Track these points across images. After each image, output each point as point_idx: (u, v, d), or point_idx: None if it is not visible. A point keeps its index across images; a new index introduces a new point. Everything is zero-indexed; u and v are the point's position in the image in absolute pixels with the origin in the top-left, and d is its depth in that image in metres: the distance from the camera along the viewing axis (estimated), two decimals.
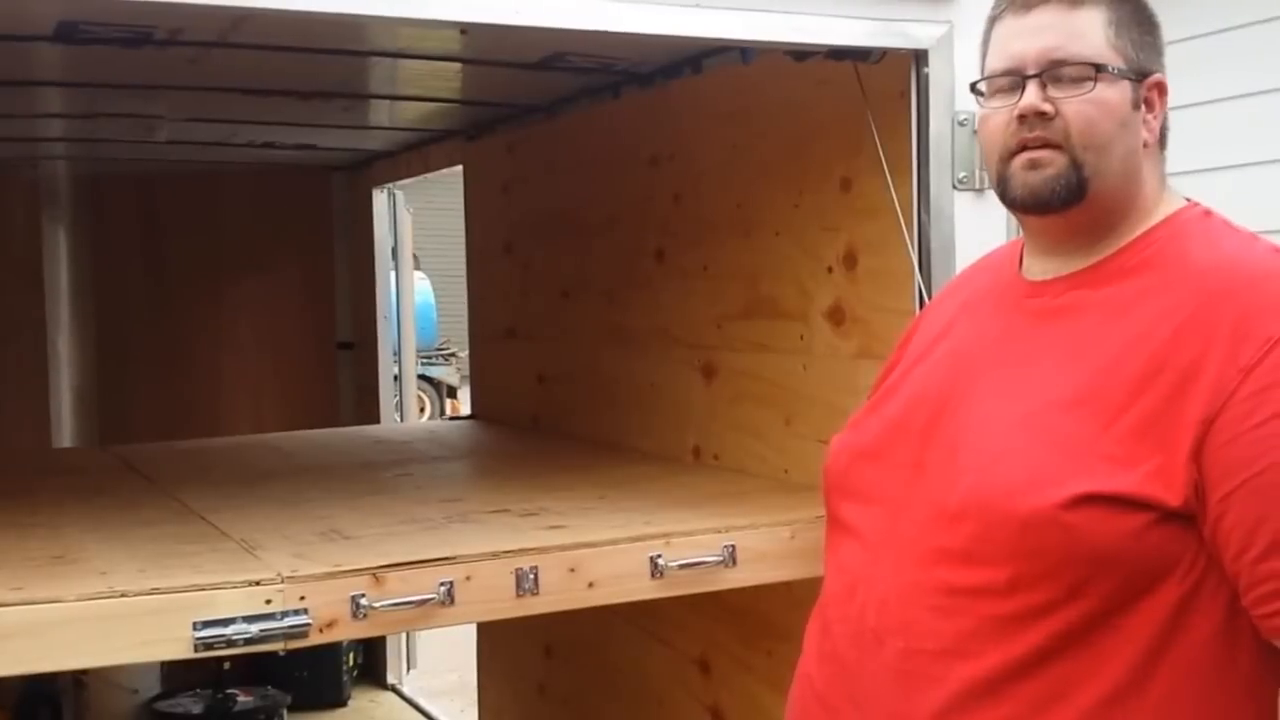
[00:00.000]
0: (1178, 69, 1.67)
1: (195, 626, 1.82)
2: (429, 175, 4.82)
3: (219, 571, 1.93)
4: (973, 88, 1.71)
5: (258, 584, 1.87)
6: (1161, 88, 1.61)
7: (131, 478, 3.09)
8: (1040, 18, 1.59)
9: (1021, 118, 1.57)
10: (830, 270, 2.53)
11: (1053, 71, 1.57)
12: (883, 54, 2.29)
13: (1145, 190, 1.61)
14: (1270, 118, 3.90)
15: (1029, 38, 1.59)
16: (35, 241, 5.14)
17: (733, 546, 2.15)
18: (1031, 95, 1.57)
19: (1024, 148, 1.58)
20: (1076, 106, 1.56)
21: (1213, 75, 3.85)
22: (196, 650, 1.83)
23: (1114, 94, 1.56)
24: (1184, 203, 1.64)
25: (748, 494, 2.54)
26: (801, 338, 2.62)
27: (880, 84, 2.34)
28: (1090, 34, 1.57)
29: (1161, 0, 1.66)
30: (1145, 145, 1.60)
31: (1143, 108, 1.59)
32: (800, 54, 2.46)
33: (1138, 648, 1.45)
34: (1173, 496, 1.43)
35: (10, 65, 2.99)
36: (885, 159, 2.32)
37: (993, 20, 1.67)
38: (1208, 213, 1.62)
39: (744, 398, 2.82)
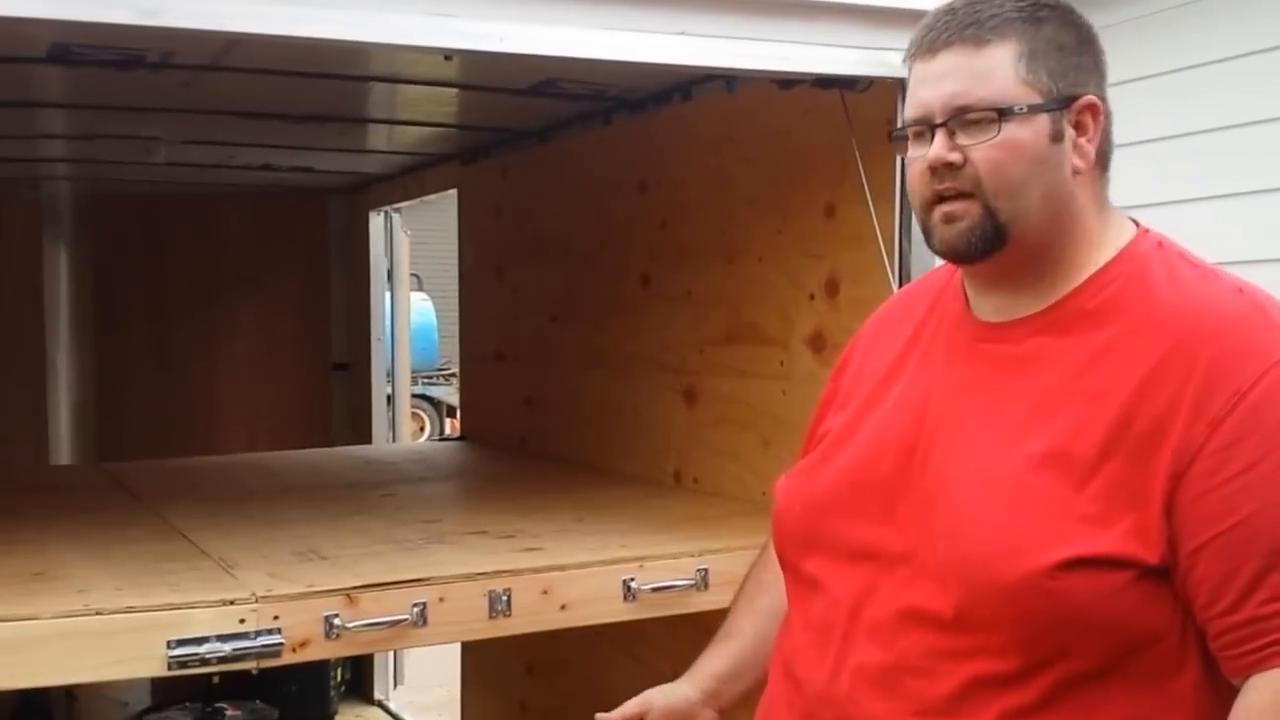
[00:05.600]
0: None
1: (169, 645, 1.82)
2: (436, 198, 4.83)
3: (195, 590, 1.93)
4: (891, 137, 1.63)
5: (232, 603, 1.87)
6: (1094, 109, 1.50)
7: (119, 495, 3.09)
8: (945, 61, 1.50)
9: (932, 169, 1.50)
10: (812, 297, 2.53)
11: (959, 119, 1.48)
12: (869, 83, 2.30)
13: (1084, 219, 1.52)
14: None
15: (934, 84, 1.50)
16: (35, 260, 5.15)
17: (705, 570, 2.15)
18: (938, 146, 1.49)
19: (940, 199, 1.51)
20: (984, 153, 1.47)
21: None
22: (171, 668, 1.83)
23: (1026, 133, 1.47)
24: (1134, 230, 1.55)
25: (724, 517, 2.54)
26: (782, 363, 2.62)
27: (866, 112, 2.34)
28: (997, 74, 1.48)
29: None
30: (1077, 172, 1.50)
31: (1071, 134, 1.49)
32: (786, 82, 2.46)
33: (1131, 703, 1.43)
34: (1150, 554, 1.39)
35: (9, 86, 2.99)
36: (869, 187, 2.32)
37: (908, 63, 1.57)
38: (1161, 243, 1.54)
39: (725, 422, 2.81)
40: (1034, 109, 1.47)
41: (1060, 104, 1.48)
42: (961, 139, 1.49)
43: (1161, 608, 1.41)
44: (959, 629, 1.46)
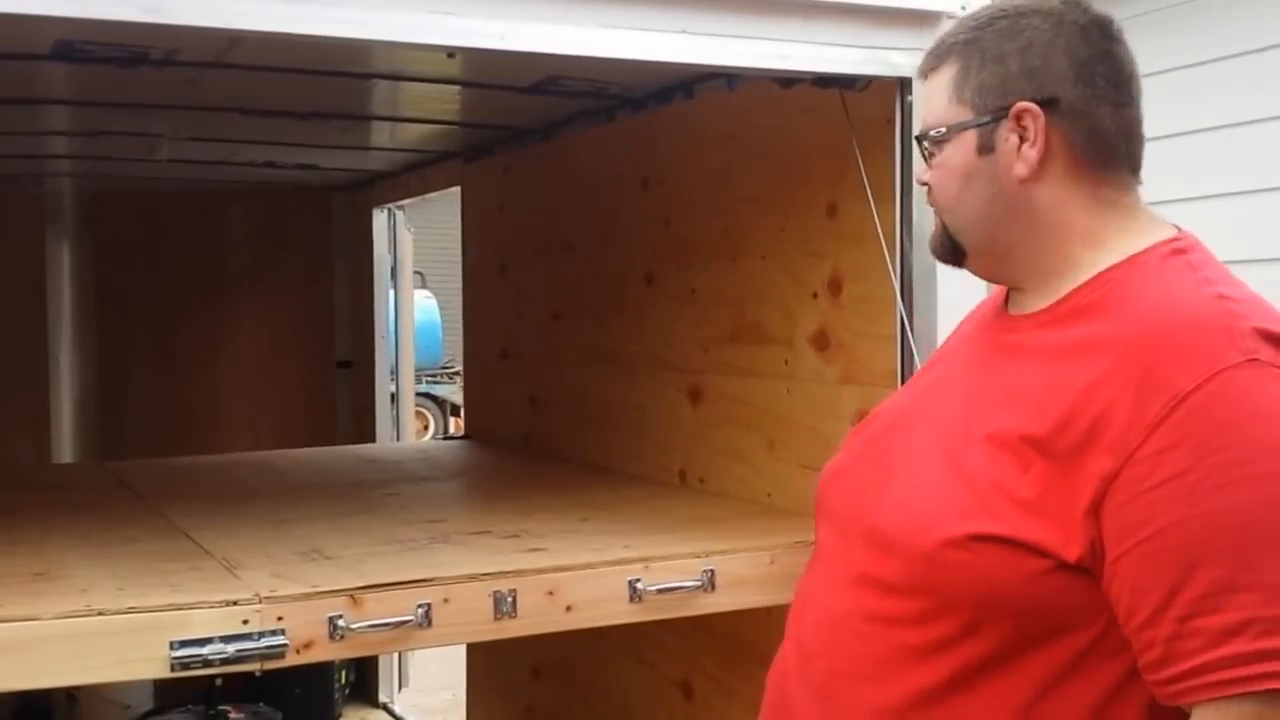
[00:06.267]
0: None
1: (172, 646, 1.81)
2: (439, 195, 4.83)
3: (197, 591, 1.93)
4: None
5: (235, 604, 1.86)
6: (1033, 113, 1.52)
7: (122, 494, 3.09)
8: (922, 90, 1.68)
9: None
10: (815, 296, 2.53)
11: (923, 146, 1.64)
12: (868, 82, 2.30)
13: (1058, 220, 1.54)
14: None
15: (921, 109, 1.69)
16: (39, 257, 5.15)
17: (712, 571, 2.13)
18: (918, 170, 1.69)
19: None
20: (933, 176, 1.63)
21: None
22: (173, 670, 1.82)
23: (957, 152, 1.57)
24: (1165, 235, 1.54)
25: (729, 518, 2.53)
26: (786, 363, 2.61)
27: (866, 111, 2.33)
28: (936, 99, 1.60)
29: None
30: (1023, 180, 1.53)
31: (1013, 142, 1.53)
32: (787, 81, 2.46)
33: (1026, 696, 1.43)
34: (1069, 551, 1.39)
35: (12, 84, 2.99)
36: (870, 185, 2.31)
37: None
38: (1179, 250, 1.51)
39: (729, 421, 2.81)
40: (954, 129, 1.57)
41: (992, 116, 1.53)
42: (932, 162, 1.63)
43: (1079, 605, 1.39)
44: (892, 594, 1.52)
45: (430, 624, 1.95)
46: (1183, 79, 3.85)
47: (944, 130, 1.58)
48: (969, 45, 1.57)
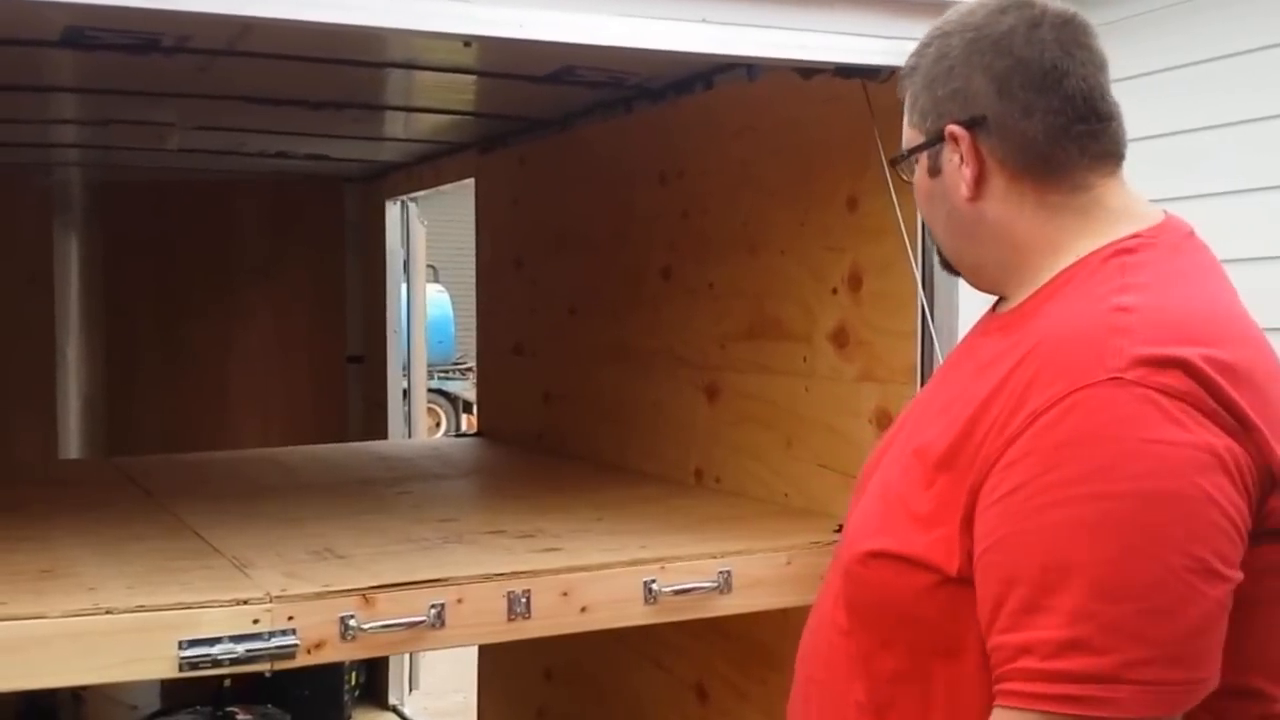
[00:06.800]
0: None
1: (181, 645, 1.83)
2: (451, 188, 4.85)
3: (207, 589, 1.94)
4: None
5: (245, 603, 1.88)
6: (958, 135, 1.55)
7: (130, 490, 3.11)
8: None
9: None
10: (835, 291, 2.53)
11: (897, 169, 1.72)
12: (891, 72, 2.28)
13: (1013, 233, 1.55)
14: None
15: None
16: (46, 247, 5.19)
17: (728, 572, 2.15)
18: None
19: None
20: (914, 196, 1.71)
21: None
22: (182, 670, 1.83)
23: (918, 175, 1.65)
24: (1122, 233, 1.51)
25: (746, 518, 2.54)
26: (805, 359, 2.62)
27: (888, 102, 2.30)
28: (905, 124, 1.66)
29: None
30: (968, 200, 1.56)
31: (950, 164, 1.57)
32: (808, 71, 2.46)
33: (937, 711, 1.46)
34: (950, 564, 1.41)
35: (21, 70, 3.02)
36: (891, 178, 2.31)
37: None
38: (1124, 250, 1.49)
39: (746, 419, 2.82)
40: (912, 151, 1.64)
41: (933, 139, 1.59)
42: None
43: (970, 617, 1.40)
44: (838, 607, 1.60)
45: (443, 624, 1.97)
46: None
47: (904, 154, 1.66)
48: (913, 71, 1.63)
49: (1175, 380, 1.30)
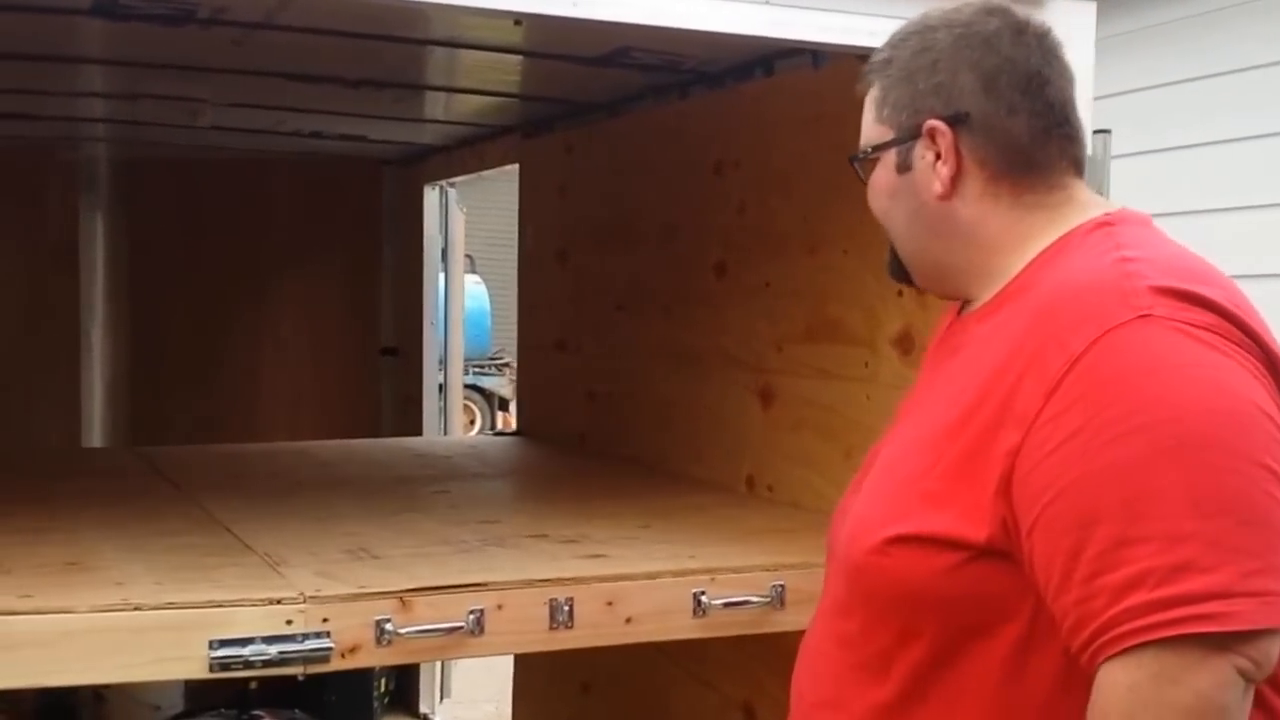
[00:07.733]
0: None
1: (212, 645, 1.84)
2: (488, 173, 4.85)
3: (239, 588, 1.96)
4: None
5: (279, 603, 1.90)
6: (940, 131, 1.60)
7: (157, 482, 3.14)
8: None
9: None
10: (900, 294, 2.52)
11: (855, 167, 1.74)
12: None
13: (984, 229, 1.61)
14: None
15: None
16: (71, 225, 5.23)
17: (782, 586, 2.15)
18: None
19: None
20: (869, 195, 1.73)
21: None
22: (212, 670, 1.85)
23: (880, 172, 1.68)
24: (1086, 219, 1.59)
25: (801, 530, 2.53)
26: (866, 365, 2.61)
27: None
28: (865, 120, 1.70)
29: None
30: (941, 197, 1.61)
31: (924, 161, 1.62)
32: None
33: (977, 699, 1.47)
34: (977, 534, 1.44)
35: (49, 40, 3.04)
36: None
37: None
38: (1103, 224, 1.57)
39: (803, 426, 2.81)
40: (877, 148, 1.67)
41: (907, 135, 1.63)
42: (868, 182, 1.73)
43: (999, 593, 1.44)
44: (840, 615, 1.63)
45: (482, 631, 1.98)
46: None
47: (869, 150, 1.69)
48: (886, 64, 1.67)
49: (1200, 315, 1.40)
